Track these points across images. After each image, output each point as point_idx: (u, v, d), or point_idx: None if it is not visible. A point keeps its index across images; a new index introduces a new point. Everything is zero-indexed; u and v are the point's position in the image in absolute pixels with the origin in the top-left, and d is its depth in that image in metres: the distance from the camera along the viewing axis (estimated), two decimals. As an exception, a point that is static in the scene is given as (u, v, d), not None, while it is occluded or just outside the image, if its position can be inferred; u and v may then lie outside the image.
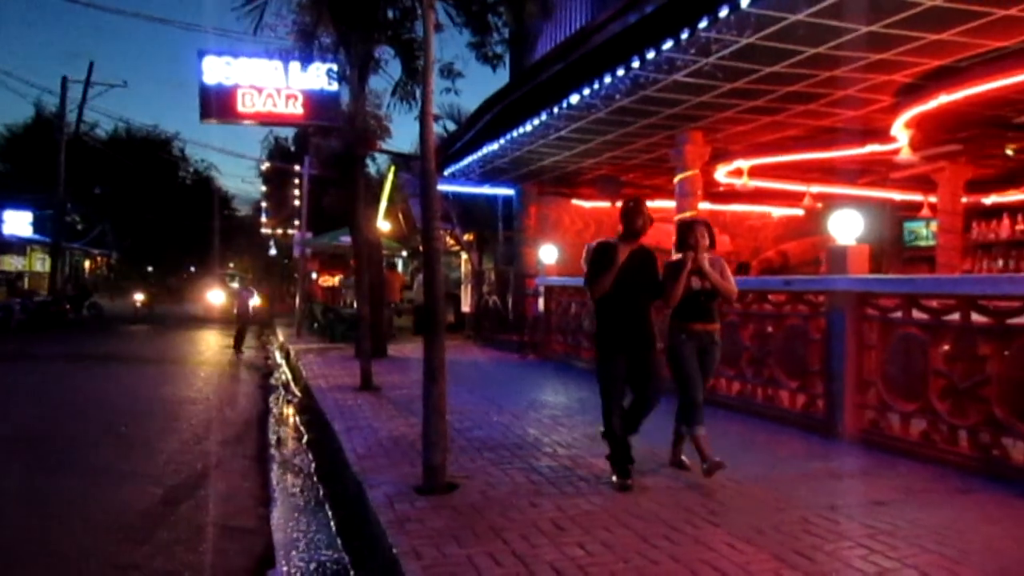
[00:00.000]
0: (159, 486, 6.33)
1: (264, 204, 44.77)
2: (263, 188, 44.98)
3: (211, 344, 19.84)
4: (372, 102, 10.98)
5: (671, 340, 5.80)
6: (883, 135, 11.03)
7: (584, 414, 8.33)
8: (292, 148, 39.61)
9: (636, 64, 8.83)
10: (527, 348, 14.87)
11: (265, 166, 42.54)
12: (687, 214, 12.26)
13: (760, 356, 8.23)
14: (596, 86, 9.81)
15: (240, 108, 17.30)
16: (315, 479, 6.68)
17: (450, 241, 22.05)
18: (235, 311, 19.53)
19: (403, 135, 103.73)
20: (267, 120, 18.35)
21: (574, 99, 10.44)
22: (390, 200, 22.98)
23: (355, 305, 13.48)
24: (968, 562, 3.97)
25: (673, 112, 10.89)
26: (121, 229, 48.45)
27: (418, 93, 8.30)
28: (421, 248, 6.69)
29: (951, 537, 4.33)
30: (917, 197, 15.53)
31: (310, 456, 7.55)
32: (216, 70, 17.19)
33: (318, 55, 11.15)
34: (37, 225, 36.61)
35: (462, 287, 23.03)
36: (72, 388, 11.93)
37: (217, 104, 17.30)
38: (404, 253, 28.82)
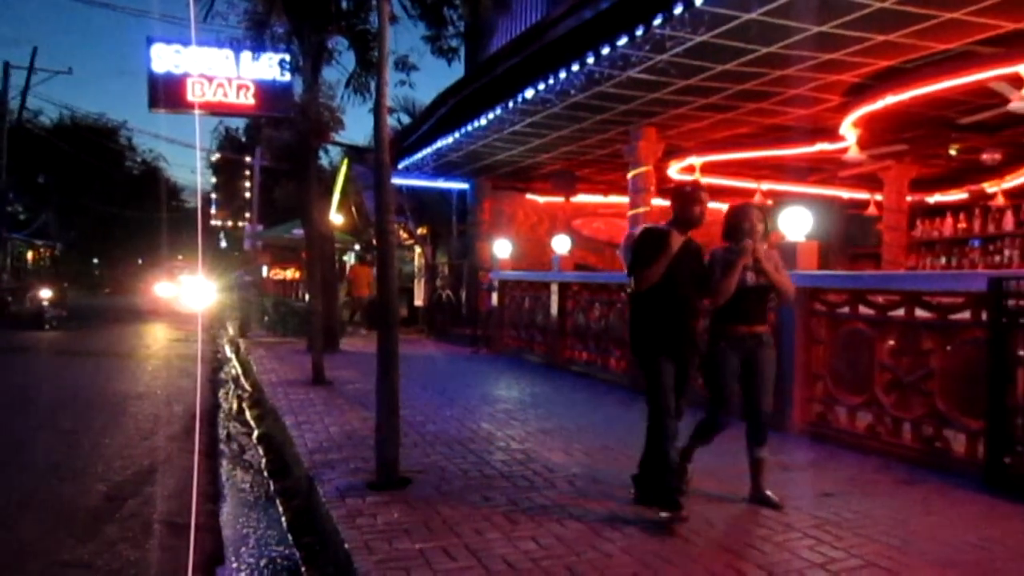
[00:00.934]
0: (105, 483, 6.19)
1: (214, 195, 44.09)
2: (213, 179, 44.30)
3: (159, 338, 19.48)
4: (325, 93, 10.86)
5: (709, 346, 5.03)
6: (832, 134, 11.22)
7: (537, 408, 8.36)
8: (243, 139, 39.07)
9: (591, 60, 8.86)
10: (480, 342, 14.86)
11: (215, 157, 41.90)
12: (640, 210, 12.37)
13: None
14: (551, 81, 9.83)
15: (190, 97, 16.95)
16: (266, 474, 6.60)
17: (404, 235, 21.94)
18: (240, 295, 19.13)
19: (357, 128, 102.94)
20: (218, 110, 18.02)
21: (529, 94, 10.44)
22: (343, 193, 22.79)
23: (307, 298, 13.33)
24: (911, 551, 4.07)
25: (627, 108, 10.96)
26: (66, 219, 47.32)
27: (372, 85, 8.23)
28: (375, 241, 6.62)
29: (896, 527, 4.44)
30: (864, 195, 15.85)
31: (260, 451, 7.46)
32: (165, 58, 16.83)
33: (270, 45, 11.02)
34: (-23, 215, 35.58)
35: (416, 281, 22.93)
36: (10, 382, 11.62)
37: (166, 93, 16.93)
38: (357, 247, 28.61)
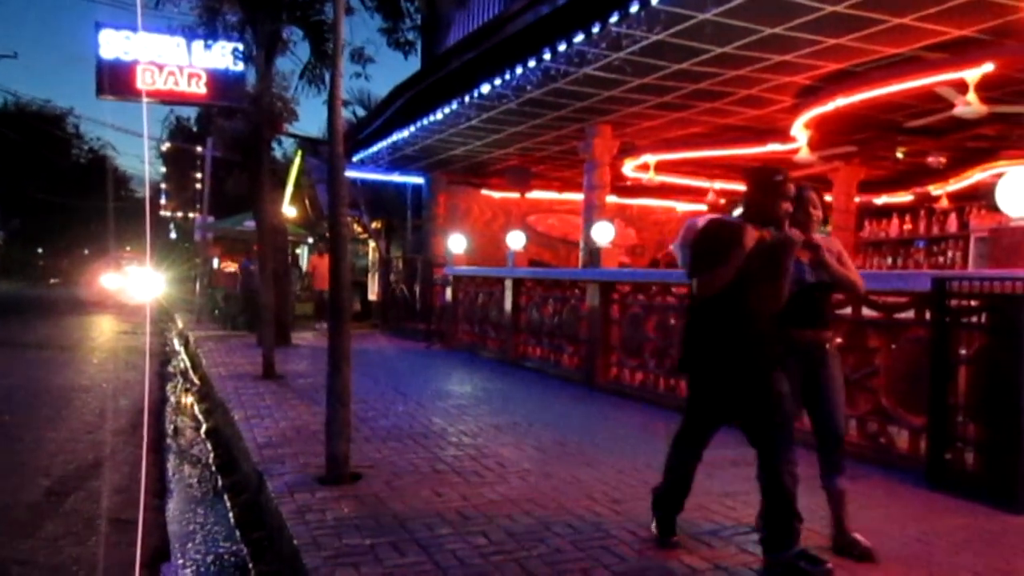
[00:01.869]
0: (47, 478, 6.05)
1: (164, 186, 43.36)
2: (163, 169, 43.56)
3: (104, 330, 19.09)
4: (279, 84, 10.72)
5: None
6: (784, 135, 11.41)
7: (490, 403, 8.36)
8: (195, 129, 38.46)
9: (547, 56, 8.89)
10: (434, 337, 14.82)
11: (166, 146, 41.16)
12: (594, 206, 12.44)
13: (664, 347, 8.41)
14: (507, 76, 9.84)
15: (140, 85, 16.56)
16: (213, 469, 6.51)
17: (358, 228, 21.78)
18: (238, 287, 18.71)
19: (310, 119, 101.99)
20: (168, 99, 17.66)
21: (485, 89, 10.44)
22: (296, 185, 22.55)
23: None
24: (855, 546, 4.14)
25: (583, 105, 11.00)
26: (8, 208, 46.14)
27: (327, 77, 8.15)
28: (328, 234, 6.54)
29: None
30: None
31: (208, 446, 7.35)
32: (114, 44, 16.43)
33: (223, 34, 10.81)
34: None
35: (369, 275, 22.79)
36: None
37: (115, 80, 16.53)
38: (310, 240, 28.33)
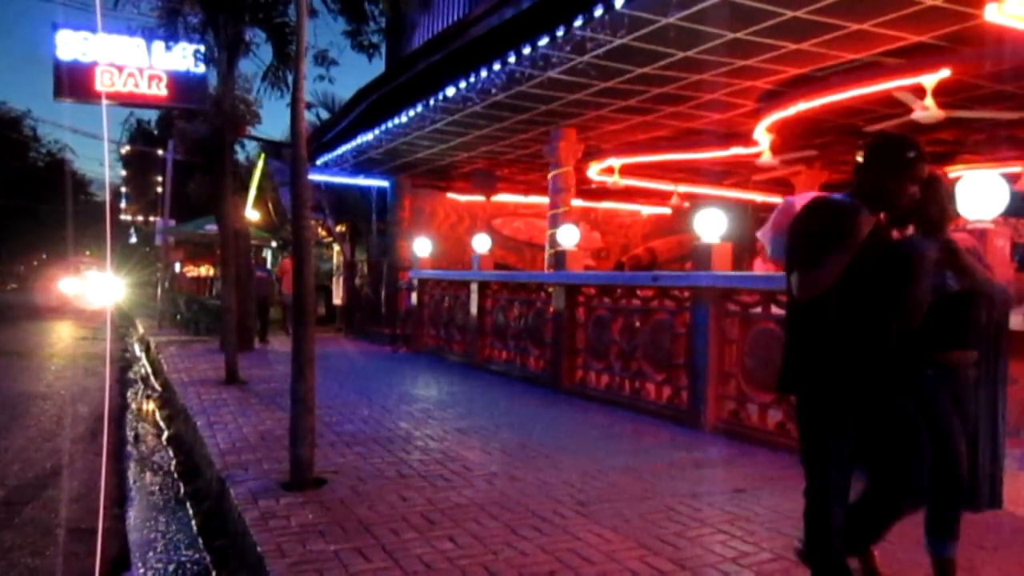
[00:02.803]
0: (2, 487, 5.93)
1: (124, 189, 42.75)
2: (123, 173, 42.94)
3: (63, 336, 18.76)
4: (241, 86, 10.60)
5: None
6: (746, 139, 11.53)
7: (456, 407, 8.34)
8: (156, 131, 37.97)
9: (512, 59, 8.89)
10: (399, 341, 14.76)
11: (126, 149, 40.60)
12: (559, 210, 12.47)
13: (629, 350, 8.44)
14: (472, 79, 9.83)
15: (98, 87, 16.30)
16: (175, 476, 6.42)
17: (322, 232, 21.62)
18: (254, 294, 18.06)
19: (274, 122, 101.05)
20: (128, 101, 17.38)
21: (450, 91, 10.42)
22: (259, 188, 22.34)
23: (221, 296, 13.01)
24: (818, 545, 4.18)
25: (548, 108, 11.03)
26: (-37, 212, 45.20)
27: (290, 79, 8.07)
28: (291, 238, 6.47)
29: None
30: (776, 199, 16.31)
31: (170, 453, 7.25)
32: (72, 45, 16.15)
33: (184, 35, 10.68)
34: None
35: (334, 279, 22.63)
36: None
37: (73, 82, 16.26)
38: (273, 244, 28.09)
